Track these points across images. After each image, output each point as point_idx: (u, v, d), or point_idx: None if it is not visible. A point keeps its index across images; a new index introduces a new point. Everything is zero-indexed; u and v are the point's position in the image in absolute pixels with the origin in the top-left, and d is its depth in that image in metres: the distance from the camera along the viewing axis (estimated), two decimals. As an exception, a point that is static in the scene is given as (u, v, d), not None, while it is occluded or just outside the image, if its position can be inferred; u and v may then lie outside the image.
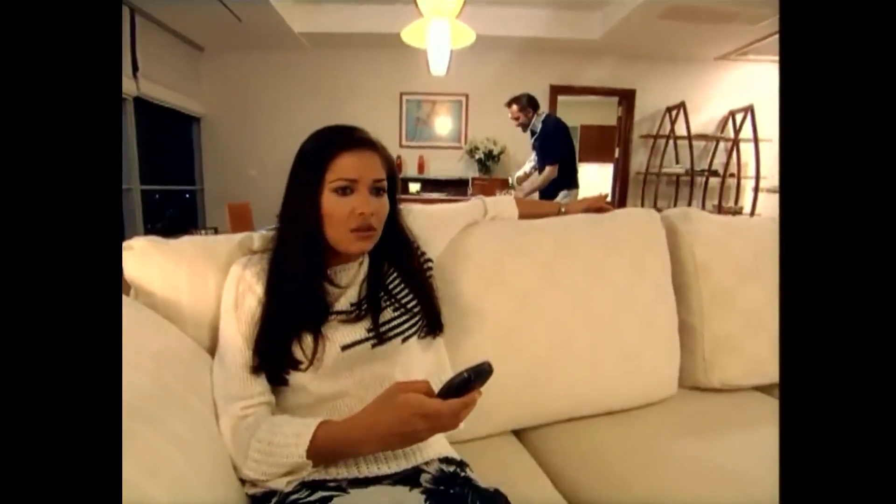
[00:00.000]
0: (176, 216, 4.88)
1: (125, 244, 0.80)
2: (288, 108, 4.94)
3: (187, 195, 5.02)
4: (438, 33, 2.88)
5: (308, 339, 0.69)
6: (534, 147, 3.59)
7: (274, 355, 0.69)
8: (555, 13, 4.30)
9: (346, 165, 0.70)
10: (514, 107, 3.49)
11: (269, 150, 4.90)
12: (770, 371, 1.17)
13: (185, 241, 0.86)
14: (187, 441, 0.54)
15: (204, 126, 4.97)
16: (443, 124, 5.08)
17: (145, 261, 0.79)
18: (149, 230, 4.20)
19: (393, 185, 0.77)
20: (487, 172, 4.91)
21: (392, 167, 0.77)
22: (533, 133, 3.58)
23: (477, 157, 4.86)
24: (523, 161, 5.10)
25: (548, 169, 3.37)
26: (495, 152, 4.83)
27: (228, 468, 0.62)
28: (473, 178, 4.81)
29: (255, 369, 0.68)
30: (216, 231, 4.19)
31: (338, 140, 0.72)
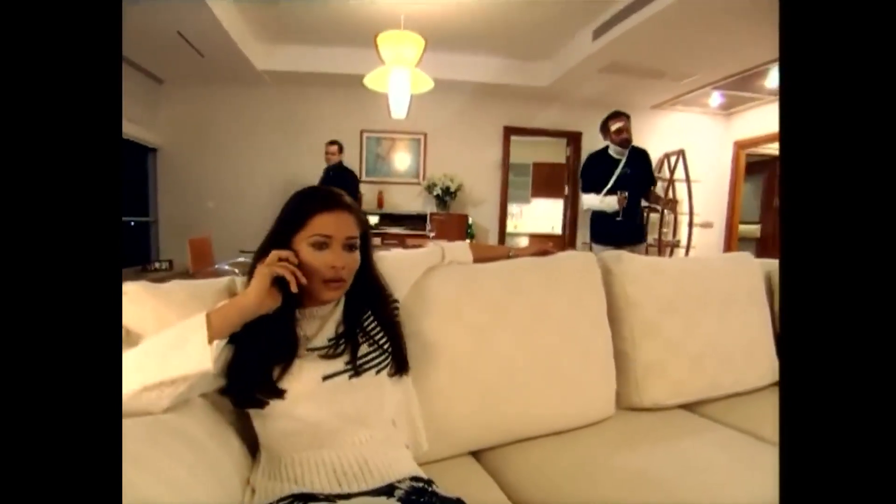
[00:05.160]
0: (123, 247, 4.73)
1: (118, 289, 0.88)
2: (248, 141, 4.99)
3: (132, 223, 4.88)
4: (399, 81, 3.08)
5: (286, 370, 0.78)
6: (620, 174, 2.99)
7: (246, 381, 0.77)
8: (509, 62, 4.65)
9: (323, 223, 0.81)
10: (626, 119, 3.02)
11: (227, 183, 4.90)
12: (689, 391, 1.35)
13: (174, 284, 0.94)
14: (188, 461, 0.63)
15: (160, 157, 4.91)
16: (401, 160, 5.27)
17: (139, 304, 0.87)
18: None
19: (365, 241, 0.89)
20: (445, 208, 5.11)
21: (365, 226, 0.89)
22: (607, 158, 3.05)
23: (435, 192, 5.06)
24: (480, 197, 5.36)
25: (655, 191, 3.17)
26: (452, 188, 5.05)
27: (228, 482, 0.70)
28: (431, 214, 4.99)
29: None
30: (171, 264, 4.08)
31: (318, 201, 0.83)
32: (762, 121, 5.23)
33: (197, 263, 2.94)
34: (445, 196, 5.05)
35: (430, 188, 5.08)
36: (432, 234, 4.32)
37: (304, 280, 0.78)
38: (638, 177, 2.99)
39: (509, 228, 5.91)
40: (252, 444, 0.86)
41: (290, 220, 0.83)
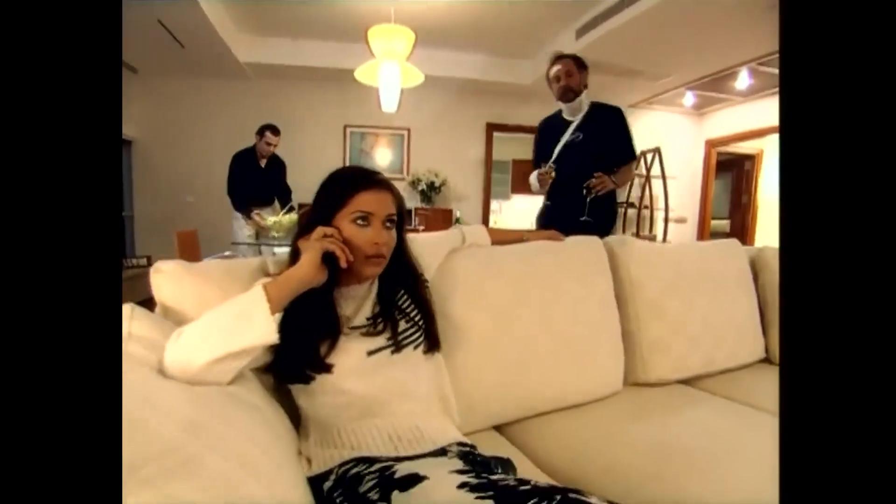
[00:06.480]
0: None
1: (155, 267, 0.88)
2: (229, 135, 4.85)
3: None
4: (390, 74, 3.09)
5: (334, 346, 0.81)
6: (569, 142, 2.16)
7: (293, 359, 0.80)
8: (491, 59, 4.72)
9: (365, 201, 0.84)
10: (569, 61, 2.15)
11: (207, 177, 4.76)
12: (689, 367, 1.44)
13: (209, 263, 0.95)
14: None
15: (135, 150, 4.75)
16: (385, 156, 5.27)
17: (177, 282, 0.87)
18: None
19: (401, 220, 0.92)
20: (429, 202, 5.14)
21: (401, 205, 0.91)
22: (559, 122, 2.23)
23: (420, 188, 5.08)
24: (464, 192, 5.41)
25: (627, 169, 2.23)
26: (437, 183, 5.09)
27: (291, 449, 0.72)
28: (417, 208, 5.01)
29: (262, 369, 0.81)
30: (149, 260, 3.94)
31: (360, 179, 0.86)
32: (732, 121, 5.48)
33: (184, 257, 2.88)
34: (430, 191, 5.08)
35: (414, 183, 5.10)
36: (421, 228, 4.34)
37: (351, 257, 0.80)
38: (592, 144, 2.08)
39: (490, 224, 5.98)
40: (293, 417, 0.88)
41: (333, 199, 0.85)
